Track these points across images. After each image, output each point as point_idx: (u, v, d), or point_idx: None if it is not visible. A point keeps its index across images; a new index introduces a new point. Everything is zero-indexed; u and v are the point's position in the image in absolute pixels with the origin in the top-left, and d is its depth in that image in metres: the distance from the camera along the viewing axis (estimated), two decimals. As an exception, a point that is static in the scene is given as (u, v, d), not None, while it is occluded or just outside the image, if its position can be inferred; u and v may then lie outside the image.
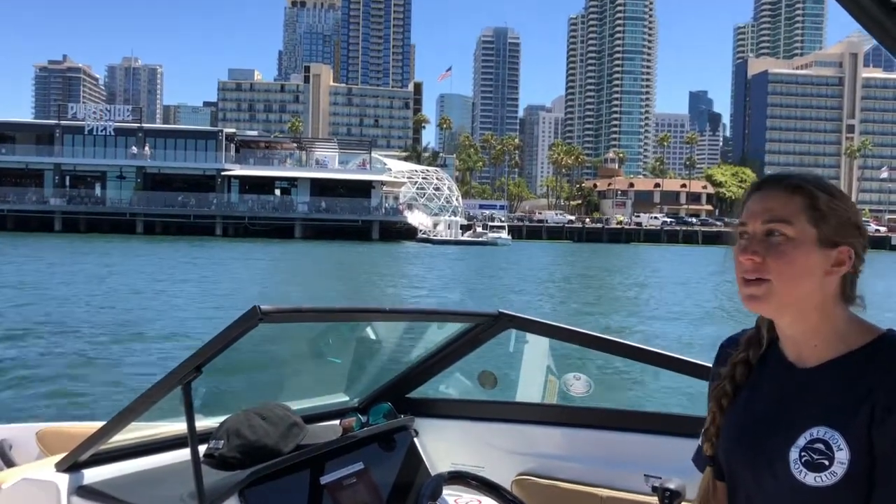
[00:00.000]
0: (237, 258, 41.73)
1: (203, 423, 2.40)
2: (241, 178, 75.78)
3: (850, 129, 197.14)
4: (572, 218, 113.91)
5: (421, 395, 3.01)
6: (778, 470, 1.24)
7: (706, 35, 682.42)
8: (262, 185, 75.76)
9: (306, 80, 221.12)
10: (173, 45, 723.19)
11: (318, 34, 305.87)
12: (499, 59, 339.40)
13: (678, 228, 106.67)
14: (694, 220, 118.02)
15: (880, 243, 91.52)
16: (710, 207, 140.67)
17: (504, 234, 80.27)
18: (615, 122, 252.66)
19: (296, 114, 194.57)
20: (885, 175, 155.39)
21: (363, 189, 76.41)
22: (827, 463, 1.20)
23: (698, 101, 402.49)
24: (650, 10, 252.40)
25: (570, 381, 2.78)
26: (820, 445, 1.21)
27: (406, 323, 2.98)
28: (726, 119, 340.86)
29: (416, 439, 2.82)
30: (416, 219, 78.39)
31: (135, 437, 2.27)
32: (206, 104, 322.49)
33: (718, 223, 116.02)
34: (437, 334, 2.90)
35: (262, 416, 2.40)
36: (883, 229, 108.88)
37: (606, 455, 2.53)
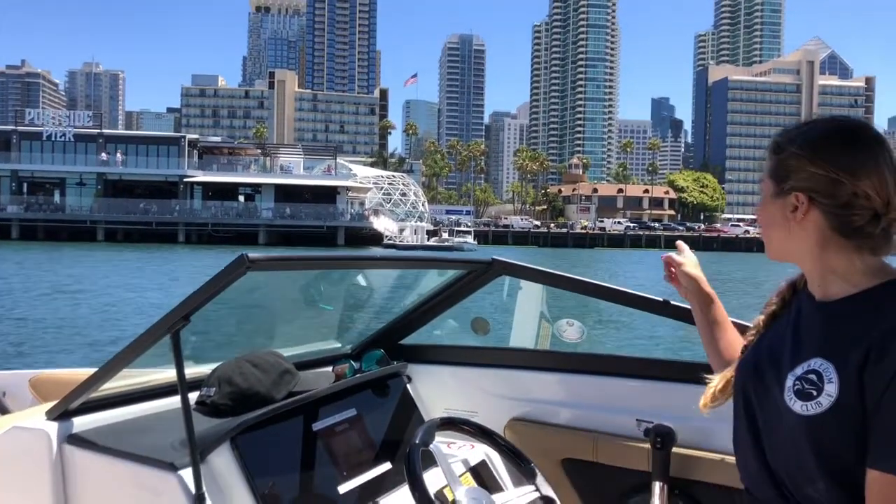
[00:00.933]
0: (199, 265, 41.14)
1: (194, 370, 2.39)
2: (204, 185, 74.88)
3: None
4: (538, 223, 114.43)
5: (414, 341, 2.96)
6: (776, 396, 1.29)
7: (668, 42, 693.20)
8: (225, 192, 74.97)
9: (271, 85, 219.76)
10: (135, 50, 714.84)
11: (282, 40, 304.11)
12: (464, 65, 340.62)
13: (641, 233, 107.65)
14: (657, 224, 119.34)
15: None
16: (672, 212, 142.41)
17: (469, 239, 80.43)
18: (579, 129, 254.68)
19: (261, 120, 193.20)
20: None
21: (328, 195, 75.98)
22: (815, 393, 1.22)
23: (660, 108, 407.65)
24: (613, 17, 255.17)
25: (563, 328, 2.76)
26: (812, 376, 1.24)
27: (398, 271, 2.96)
28: (688, 125, 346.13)
29: (408, 385, 2.79)
30: (382, 224, 78.17)
31: (125, 384, 2.26)
32: (170, 110, 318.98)
33: (680, 228, 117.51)
34: (430, 282, 2.88)
35: (253, 364, 2.37)
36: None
37: (599, 400, 2.51)
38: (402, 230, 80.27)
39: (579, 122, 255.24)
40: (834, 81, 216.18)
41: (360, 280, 2.98)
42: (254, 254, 1.79)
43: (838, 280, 1.29)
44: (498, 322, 2.91)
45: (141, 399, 2.28)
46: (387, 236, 76.09)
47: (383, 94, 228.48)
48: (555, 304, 2.92)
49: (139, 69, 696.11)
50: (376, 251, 67.41)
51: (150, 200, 72.58)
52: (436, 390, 2.82)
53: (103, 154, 73.50)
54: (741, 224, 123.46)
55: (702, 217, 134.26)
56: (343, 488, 2.24)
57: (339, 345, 3.03)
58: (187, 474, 1.91)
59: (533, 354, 2.80)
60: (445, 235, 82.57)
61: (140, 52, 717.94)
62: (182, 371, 1.92)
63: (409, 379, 2.83)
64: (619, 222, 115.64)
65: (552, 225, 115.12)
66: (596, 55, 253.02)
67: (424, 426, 2.08)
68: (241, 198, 77.52)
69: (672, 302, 2.32)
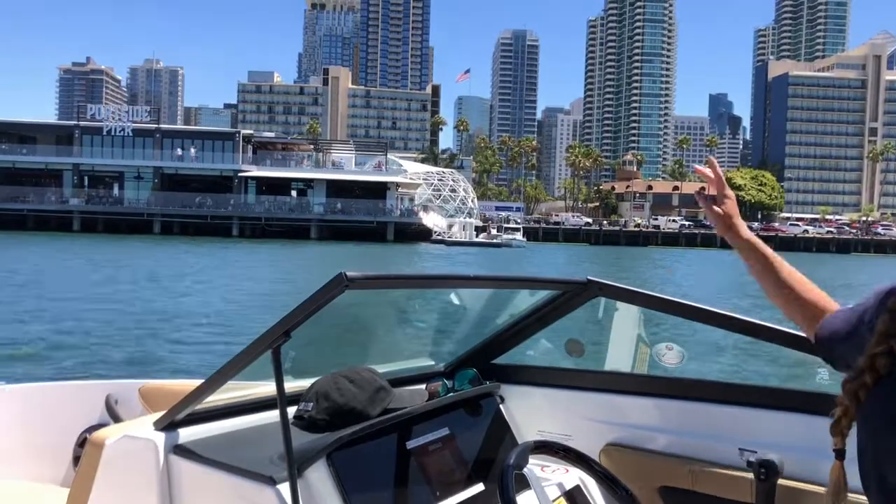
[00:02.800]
0: (260, 259, 41.82)
1: (292, 385, 2.43)
2: (258, 179, 76.06)
3: (873, 132, 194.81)
4: (589, 220, 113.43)
5: (507, 361, 2.97)
6: None
7: (726, 37, 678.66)
8: (278, 186, 76.02)
9: (325, 82, 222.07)
10: (194, 47, 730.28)
11: (337, 37, 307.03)
12: (517, 61, 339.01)
13: (697, 231, 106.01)
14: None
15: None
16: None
17: (518, 236, 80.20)
18: (634, 125, 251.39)
19: (314, 116, 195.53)
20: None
21: (379, 190, 76.51)
22: None
23: (718, 104, 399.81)
24: (670, 11, 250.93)
25: (662, 351, 2.70)
26: None
27: (491, 290, 2.96)
28: (746, 122, 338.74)
29: (501, 406, 2.79)
30: (431, 220, 78.44)
31: (227, 397, 2.32)
32: (227, 106, 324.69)
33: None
34: (524, 301, 2.86)
35: (350, 380, 2.41)
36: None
37: (699, 427, 2.44)
38: (450, 226, 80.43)
39: (634, 118, 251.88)
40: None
41: (454, 298, 2.97)
42: (352, 272, 1.81)
43: None
44: (593, 344, 2.88)
45: (242, 412, 2.35)
46: (436, 232, 76.38)
47: (435, 90, 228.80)
48: (652, 327, 2.88)
49: (198, 66, 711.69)
50: (424, 247, 67.63)
51: (205, 194, 74.00)
52: (529, 412, 2.81)
53: (178, 150, 75.15)
54: (800, 223, 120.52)
55: (759, 216, 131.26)
56: None
57: (433, 362, 3.05)
58: (285, 489, 1.96)
59: (630, 378, 2.74)
60: (494, 231, 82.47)
61: (199, 49, 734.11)
62: (282, 386, 1.97)
63: (502, 399, 2.82)
64: (673, 220, 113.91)
65: (604, 222, 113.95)
66: (652, 50, 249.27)
67: (518, 448, 2.06)
68: (294, 193, 78.55)
69: (777, 327, 2.26)
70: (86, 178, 74.92)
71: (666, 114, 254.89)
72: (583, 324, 2.96)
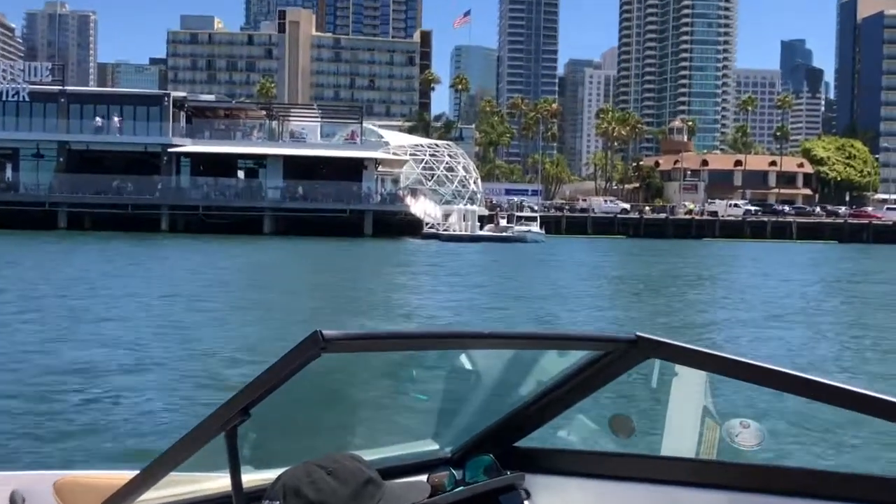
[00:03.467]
0: (197, 262, 41.62)
1: (254, 477, 2.41)
2: (194, 157, 75.92)
3: None
4: (627, 206, 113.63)
5: (533, 444, 3.00)
6: None
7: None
8: (221, 166, 75.85)
9: (281, 28, 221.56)
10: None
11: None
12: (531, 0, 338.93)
13: (766, 219, 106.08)
14: (787, 207, 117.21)
15: None
16: (808, 191, 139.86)
17: (535, 228, 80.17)
18: (683, 82, 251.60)
19: (268, 73, 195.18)
20: None
21: (352, 169, 76.37)
22: None
23: (793, 54, 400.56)
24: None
25: (737, 430, 2.66)
26: None
27: (512, 351, 2.91)
28: (829, 76, 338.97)
29: (527, 502, 2.80)
30: (422, 208, 78.38)
31: (169, 494, 2.31)
32: (154, 61, 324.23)
33: (819, 212, 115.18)
34: (555, 365, 2.87)
35: (327, 471, 2.30)
36: None
37: None
38: (447, 215, 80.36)
39: (684, 73, 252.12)
40: None
41: (464, 361, 2.94)
42: (329, 331, 1.83)
43: None
44: (645, 420, 2.88)
45: None
46: (427, 223, 76.41)
47: (425, 38, 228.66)
48: (722, 395, 2.85)
49: (116, 9, 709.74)
50: (413, 244, 67.38)
51: (125, 177, 73.75)
52: None
53: (98, 119, 74.81)
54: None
55: (848, 198, 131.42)
56: None
57: (437, 446, 3.05)
58: None
59: (694, 465, 2.71)
60: (504, 223, 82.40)
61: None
62: (239, 479, 1.98)
63: (528, 494, 2.83)
64: (736, 205, 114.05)
65: (646, 208, 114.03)
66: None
67: None
68: (241, 173, 78.24)
69: (888, 398, 2.26)
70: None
71: (725, 66, 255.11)
72: (632, 394, 3.14)
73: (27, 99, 75.95)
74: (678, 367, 2.74)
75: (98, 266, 37.62)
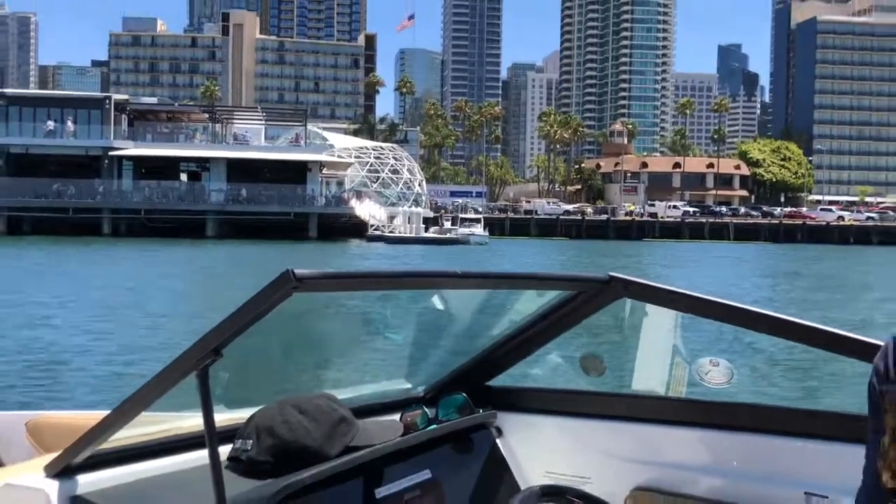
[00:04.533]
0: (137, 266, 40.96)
1: (226, 417, 2.41)
2: (136, 160, 74.85)
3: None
4: (569, 208, 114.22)
5: (506, 383, 3.00)
6: None
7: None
8: (163, 169, 74.95)
9: (224, 31, 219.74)
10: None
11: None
12: (475, 4, 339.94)
13: (704, 220, 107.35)
14: (724, 209, 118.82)
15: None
16: (744, 193, 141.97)
17: (479, 230, 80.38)
18: (623, 86, 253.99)
19: (211, 76, 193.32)
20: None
21: (297, 172, 75.96)
22: None
23: (730, 58, 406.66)
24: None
25: (706, 368, 2.68)
26: None
27: (486, 291, 2.93)
28: (765, 80, 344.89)
29: (498, 440, 2.84)
30: (367, 210, 78.26)
31: (140, 434, 2.31)
32: (96, 64, 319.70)
33: (755, 213, 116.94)
34: (527, 305, 2.87)
35: (300, 410, 2.37)
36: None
37: (753, 465, 2.47)
38: (392, 217, 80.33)
39: (624, 77, 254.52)
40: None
41: (437, 302, 2.93)
42: (301, 270, 1.81)
43: None
44: (616, 359, 2.92)
45: (161, 453, 2.31)
46: (372, 225, 76.31)
47: (370, 41, 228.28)
48: (692, 336, 2.87)
49: (56, 11, 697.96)
50: (358, 246, 67.18)
51: (66, 180, 72.58)
52: (534, 448, 2.83)
53: (49, 123, 73.44)
54: (833, 208, 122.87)
55: (783, 199, 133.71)
56: None
57: (409, 385, 3.05)
58: None
59: (664, 403, 2.74)
60: (448, 224, 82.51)
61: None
62: (211, 418, 1.97)
63: (500, 432, 2.86)
64: (675, 206, 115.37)
65: (588, 210, 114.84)
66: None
67: (520, 496, 2.11)
68: (184, 176, 77.32)
69: (854, 336, 2.29)
70: None
71: (664, 71, 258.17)
72: (603, 333, 3.05)
73: (-38, 101, 74.40)
74: (649, 307, 2.75)
75: (31, 269, 36.88)
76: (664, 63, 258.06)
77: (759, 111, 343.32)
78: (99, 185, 73.62)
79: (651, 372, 2.85)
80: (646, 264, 56.38)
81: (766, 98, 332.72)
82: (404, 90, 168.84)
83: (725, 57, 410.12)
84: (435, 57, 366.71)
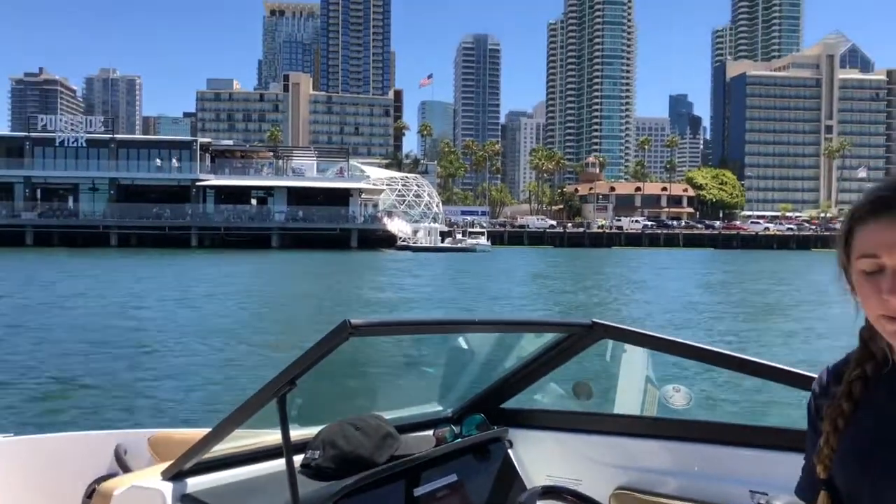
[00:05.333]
0: (223, 271, 41.00)
1: (299, 433, 2.47)
2: (217, 188, 75.15)
3: (829, 129, 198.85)
4: (554, 223, 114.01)
5: (515, 405, 3.01)
6: None
7: (685, 39, 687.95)
8: (238, 195, 75.16)
9: (285, 88, 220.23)
10: (152, 56, 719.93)
11: (297, 43, 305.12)
12: (479, 65, 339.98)
13: (659, 232, 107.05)
14: (675, 222, 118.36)
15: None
16: (691, 210, 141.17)
17: (483, 240, 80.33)
18: (596, 127, 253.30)
19: (275, 123, 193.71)
20: (862, 174, 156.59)
21: (341, 197, 75.98)
22: None
23: (678, 105, 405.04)
24: (629, 14, 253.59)
25: (670, 393, 2.73)
26: None
27: (498, 334, 3.00)
28: (706, 122, 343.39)
29: (510, 451, 2.86)
30: (396, 226, 78.20)
31: (234, 446, 2.36)
32: (186, 115, 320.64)
33: (700, 226, 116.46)
34: (530, 345, 2.91)
35: (356, 427, 2.45)
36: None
37: (709, 470, 2.47)
38: (415, 231, 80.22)
39: (596, 121, 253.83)
40: (855, 75, 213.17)
41: (461, 343, 3.00)
42: (356, 319, 1.85)
43: None
44: (601, 386, 2.92)
45: (249, 461, 2.36)
46: (400, 238, 76.16)
47: (398, 95, 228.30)
48: (661, 368, 2.92)
49: (156, 74, 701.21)
50: (389, 254, 67.17)
51: (162, 205, 72.82)
52: (538, 456, 2.84)
53: (157, 161, 73.89)
54: (761, 221, 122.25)
55: (721, 214, 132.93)
56: None
57: (440, 408, 3.07)
58: None
59: (639, 421, 2.74)
60: (459, 236, 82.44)
61: (156, 57, 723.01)
62: (287, 434, 2.02)
63: (511, 444, 2.86)
64: (636, 221, 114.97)
65: (569, 224, 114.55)
66: (612, 52, 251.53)
67: (526, 494, 2.10)
68: (254, 201, 77.81)
69: (784, 367, 2.30)
70: (39, 191, 73.24)
71: (627, 116, 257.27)
72: (591, 366, 2.99)
73: (84, 145, 74.78)
74: (626, 346, 2.78)
75: (149, 274, 36.88)
76: (627, 109, 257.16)
77: (702, 146, 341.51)
78: (188, 208, 73.89)
79: (629, 396, 2.87)
80: (613, 264, 56.16)
81: (708, 136, 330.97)
82: (425, 133, 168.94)
83: (675, 104, 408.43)
84: (448, 107, 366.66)
